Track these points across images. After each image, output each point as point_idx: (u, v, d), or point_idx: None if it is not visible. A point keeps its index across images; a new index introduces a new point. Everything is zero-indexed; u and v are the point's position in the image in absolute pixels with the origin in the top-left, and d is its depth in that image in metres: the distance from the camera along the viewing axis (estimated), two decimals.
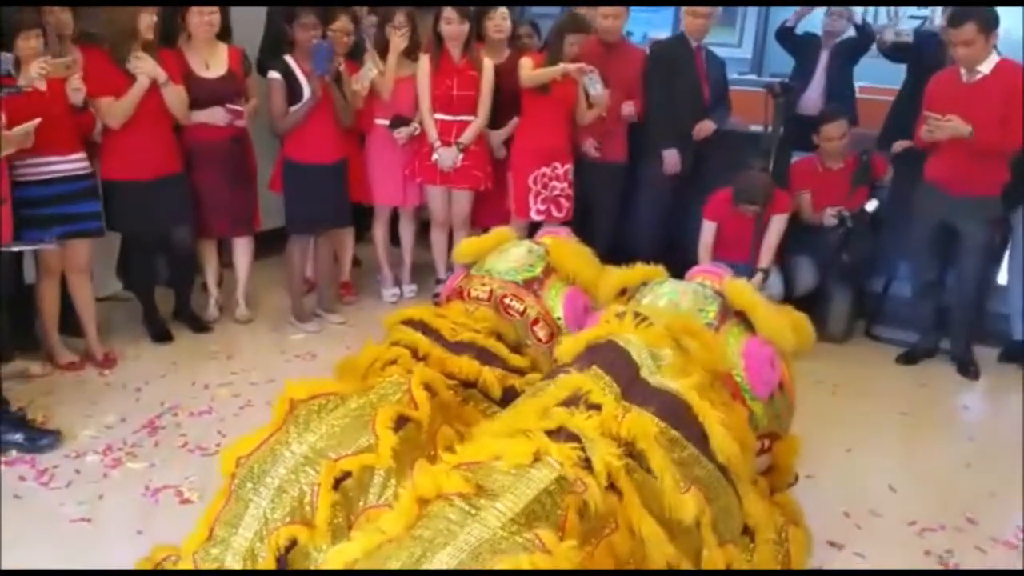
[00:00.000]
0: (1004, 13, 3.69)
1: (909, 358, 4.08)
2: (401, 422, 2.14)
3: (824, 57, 5.01)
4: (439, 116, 4.17)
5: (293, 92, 3.84)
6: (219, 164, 3.90)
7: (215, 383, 3.56)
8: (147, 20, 3.48)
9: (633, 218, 4.53)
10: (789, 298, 3.91)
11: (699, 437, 2.06)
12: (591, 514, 1.81)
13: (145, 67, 3.51)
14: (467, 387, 2.48)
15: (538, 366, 2.70)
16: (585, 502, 1.80)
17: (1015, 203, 3.89)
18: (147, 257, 3.93)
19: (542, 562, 1.53)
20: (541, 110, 4.17)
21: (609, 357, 2.19)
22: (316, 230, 4.13)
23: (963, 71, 3.66)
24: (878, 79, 5.61)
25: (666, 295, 2.57)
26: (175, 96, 3.65)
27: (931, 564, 2.60)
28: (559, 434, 1.93)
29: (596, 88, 4.07)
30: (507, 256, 2.98)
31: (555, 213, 4.22)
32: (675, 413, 2.07)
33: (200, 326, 4.07)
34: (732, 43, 12.33)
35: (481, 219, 4.30)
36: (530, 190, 4.23)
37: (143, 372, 3.61)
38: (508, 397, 2.42)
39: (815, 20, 5.24)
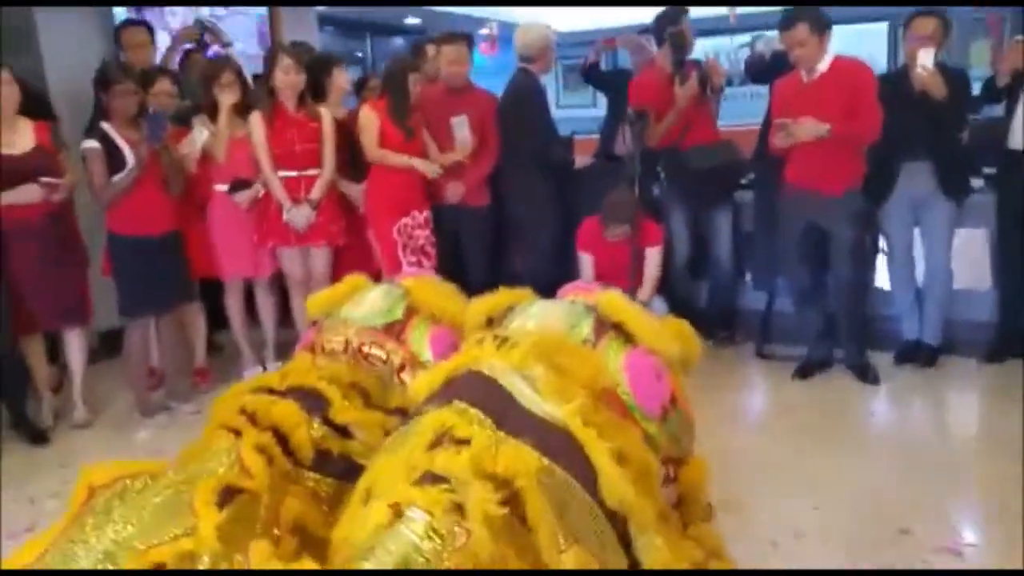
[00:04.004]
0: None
1: (804, 372, 3.94)
2: (229, 495, 1.76)
3: None
4: (284, 173, 3.86)
5: (114, 161, 3.49)
6: (38, 246, 3.46)
7: (43, 496, 3.05)
8: None
9: (507, 262, 4.33)
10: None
11: (586, 475, 1.77)
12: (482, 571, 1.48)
13: None
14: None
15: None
16: (475, 557, 1.46)
17: (879, 197, 3.86)
18: None
19: None
20: None
21: (472, 388, 1.90)
22: (152, 310, 3.72)
23: (803, 73, 3.67)
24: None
25: (535, 316, 2.30)
26: None
27: None
28: (423, 481, 1.61)
29: (463, 131, 3.97)
30: (363, 301, 2.68)
31: (425, 263, 3.97)
32: (556, 446, 1.77)
33: (38, 436, 3.56)
34: (587, 104, 12.85)
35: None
36: (396, 243, 3.97)
37: None
38: (322, 461, 2.11)
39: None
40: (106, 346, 4.29)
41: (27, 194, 3.41)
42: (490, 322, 2.43)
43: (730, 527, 2.37)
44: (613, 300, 2.33)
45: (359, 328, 2.57)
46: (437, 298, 2.70)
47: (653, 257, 4.02)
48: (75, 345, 3.69)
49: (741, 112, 6.18)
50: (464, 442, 1.71)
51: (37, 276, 3.48)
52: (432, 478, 1.58)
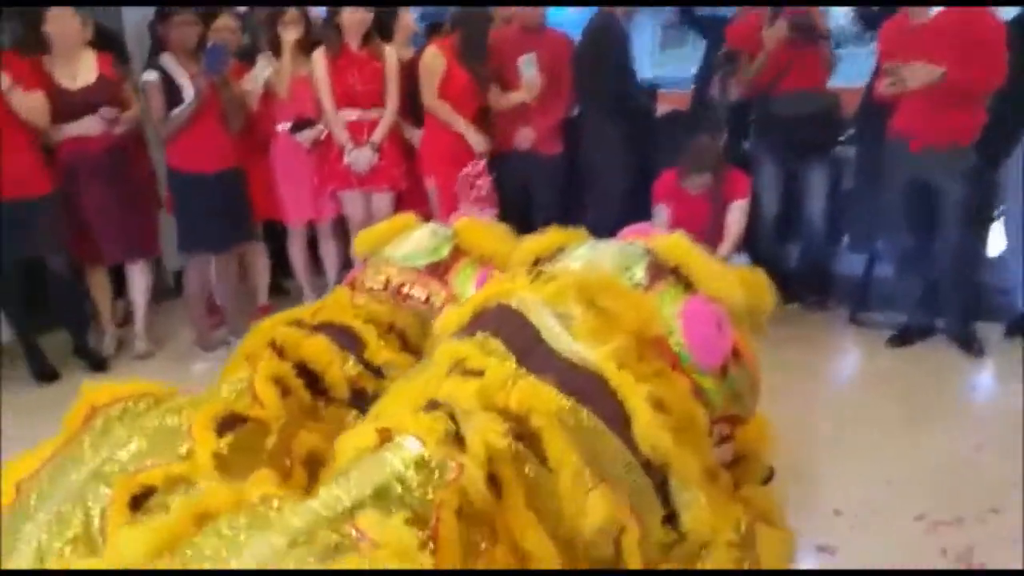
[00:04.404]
0: None
1: (902, 339, 3.59)
2: (232, 423, 1.65)
3: None
4: (346, 114, 3.75)
5: (173, 95, 3.45)
6: (102, 178, 3.47)
7: None
8: None
9: (577, 215, 4.10)
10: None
11: (620, 424, 1.56)
12: (473, 511, 1.31)
13: None
14: (317, 394, 2.00)
15: None
16: (464, 494, 1.29)
17: (998, 155, 3.45)
18: (18, 287, 3.45)
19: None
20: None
21: (499, 321, 1.73)
22: (210, 247, 3.68)
23: (915, 11, 3.28)
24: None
25: (583, 256, 2.08)
26: (28, 102, 3.23)
27: (949, 564, 2.10)
28: (425, 408, 1.45)
29: (531, 70, 3.76)
30: (408, 240, 2.52)
31: (488, 210, 3.79)
32: (586, 389, 1.57)
33: (97, 364, 3.62)
34: (684, 62, 12.46)
35: None
36: (457, 193, 3.81)
37: (14, 412, 3.13)
38: (357, 399, 1.96)
39: None
40: (179, 285, 4.31)
41: (88, 126, 3.41)
42: (538, 263, 2.25)
43: (795, 494, 2.14)
44: (673, 241, 2.09)
45: (401, 267, 2.42)
46: (488, 240, 2.50)
47: (737, 211, 3.73)
48: (138, 278, 3.72)
49: (854, 73, 5.68)
50: (478, 373, 1.54)
51: (102, 209, 3.49)
52: (434, 405, 1.42)
